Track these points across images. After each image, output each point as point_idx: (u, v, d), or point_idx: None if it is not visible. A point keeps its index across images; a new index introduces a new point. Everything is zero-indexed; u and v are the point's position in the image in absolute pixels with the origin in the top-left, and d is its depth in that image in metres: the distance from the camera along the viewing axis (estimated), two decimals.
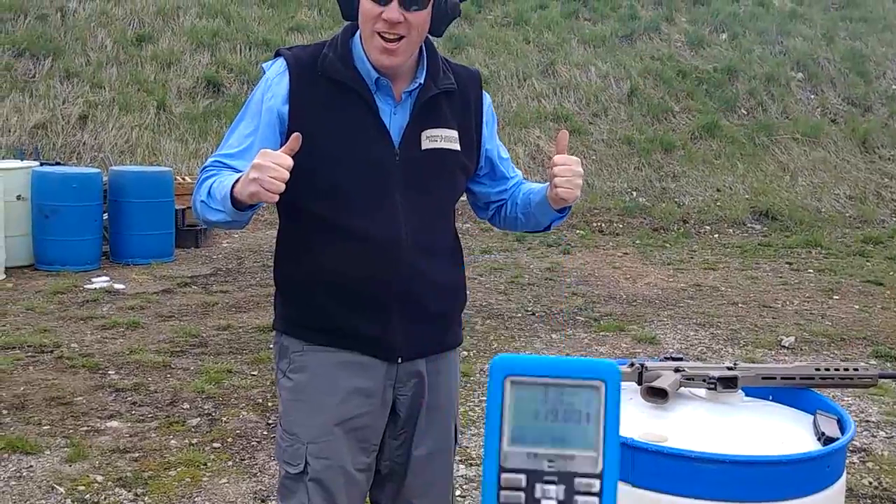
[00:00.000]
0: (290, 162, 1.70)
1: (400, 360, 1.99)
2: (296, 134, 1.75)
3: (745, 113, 12.72)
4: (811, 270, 8.67)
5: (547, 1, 14.08)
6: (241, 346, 5.46)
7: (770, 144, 12.20)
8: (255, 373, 4.95)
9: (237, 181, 1.76)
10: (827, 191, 11.65)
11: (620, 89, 12.56)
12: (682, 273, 8.32)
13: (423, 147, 1.95)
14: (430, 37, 1.98)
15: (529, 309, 6.68)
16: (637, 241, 9.82)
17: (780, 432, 1.85)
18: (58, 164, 8.76)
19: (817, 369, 2.01)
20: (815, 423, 1.85)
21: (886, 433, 4.42)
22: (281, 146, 1.81)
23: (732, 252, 9.49)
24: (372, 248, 1.91)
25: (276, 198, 1.71)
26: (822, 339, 6.17)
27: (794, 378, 1.99)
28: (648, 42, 13.55)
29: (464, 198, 2.20)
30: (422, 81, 1.95)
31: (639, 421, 1.84)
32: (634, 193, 11.10)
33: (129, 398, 4.52)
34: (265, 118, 1.91)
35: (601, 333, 6.08)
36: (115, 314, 6.06)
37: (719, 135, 12.08)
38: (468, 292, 2.21)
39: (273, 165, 1.68)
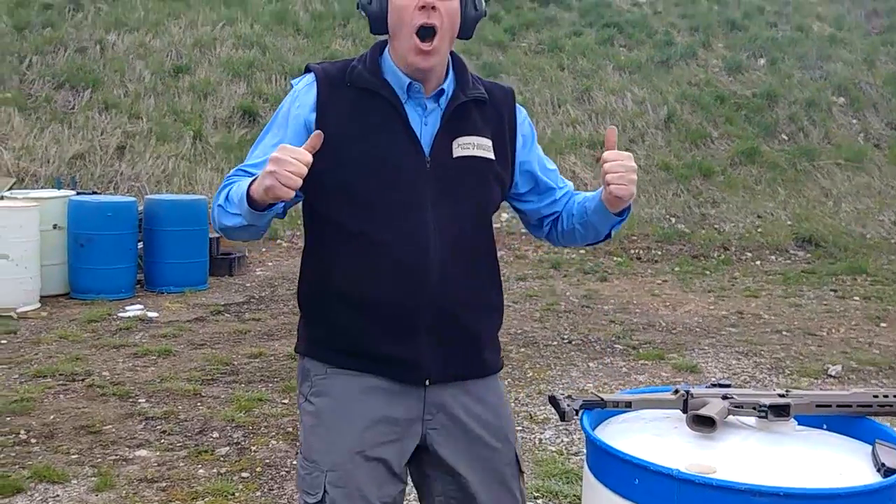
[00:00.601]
0: (309, 158, 1.64)
1: (427, 383, 1.87)
2: (317, 132, 1.69)
3: (786, 138, 12.50)
4: (857, 298, 8.41)
5: (581, 28, 14.06)
6: (272, 373, 5.39)
7: (812, 170, 11.96)
8: (285, 401, 4.87)
9: (255, 179, 1.70)
10: (871, 217, 11.36)
11: (657, 115, 12.44)
12: (723, 300, 8.12)
13: (455, 155, 1.88)
14: (458, 54, 1.97)
15: (566, 337, 6.54)
16: (676, 269, 9.63)
17: (837, 463, 1.71)
18: (94, 193, 8.85)
19: (875, 396, 1.87)
20: (873, 454, 1.72)
21: None
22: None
23: (775, 279, 9.26)
24: (399, 265, 1.82)
25: (292, 194, 1.64)
26: (870, 367, 5.95)
27: (850, 406, 1.85)
28: (685, 68, 13.43)
29: (499, 224, 2.13)
30: (446, 88, 1.90)
31: (685, 451, 1.71)
32: (673, 220, 10.92)
33: (158, 427, 4.46)
34: (292, 127, 1.86)
35: (640, 362, 5.92)
36: (147, 342, 6.03)
37: (760, 160, 11.88)
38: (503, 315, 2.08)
39: (291, 159, 1.62)
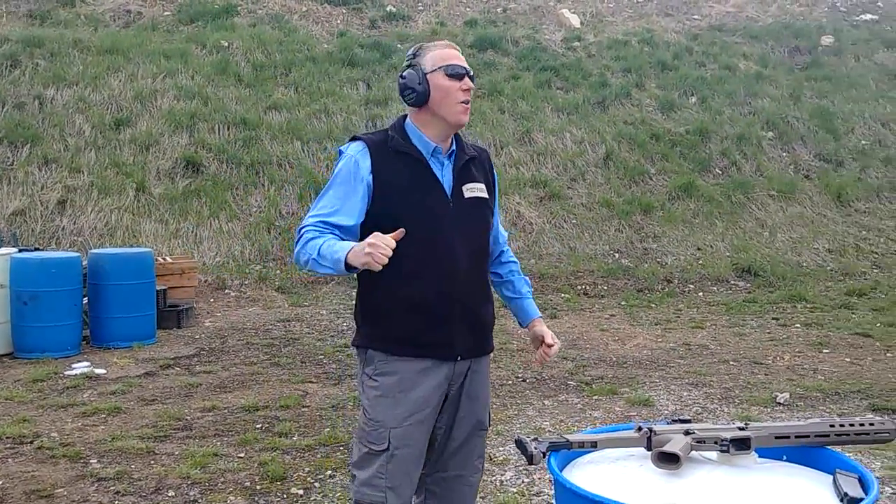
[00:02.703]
0: (394, 244, 2.30)
1: (459, 359, 2.58)
2: (401, 230, 2.33)
3: (720, 172, 12.90)
4: (798, 325, 8.66)
5: (519, 72, 14.36)
6: (226, 427, 5.31)
7: (747, 202, 12.35)
8: (241, 455, 4.80)
9: (350, 251, 2.31)
10: (806, 245, 11.75)
11: (596, 154, 12.73)
12: (670, 332, 8.28)
13: (466, 196, 2.62)
14: None
15: (520, 376, 6.59)
16: (623, 303, 9.80)
17: (801, 494, 1.78)
18: (36, 249, 8.66)
19: (832, 426, 1.96)
20: (835, 483, 1.79)
21: (892, 489, 4.34)
22: (367, 204, 2.52)
23: (718, 309, 9.49)
24: (435, 274, 2.52)
25: (380, 267, 2.28)
26: (817, 394, 6.12)
27: (808, 436, 1.94)
28: (620, 108, 13.80)
29: None
30: (454, 149, 2.67)
31: (652, 488, 1.76)
32: (617, 255, 11.14)
33: (111, 487, 4.35)
34: (357, 185, 2.52)
35: (594, 398, 5.99)
36: (96, 400, 5.89)
37: (696, 194, 12.22)
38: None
39: (384, 245, 2.29)
